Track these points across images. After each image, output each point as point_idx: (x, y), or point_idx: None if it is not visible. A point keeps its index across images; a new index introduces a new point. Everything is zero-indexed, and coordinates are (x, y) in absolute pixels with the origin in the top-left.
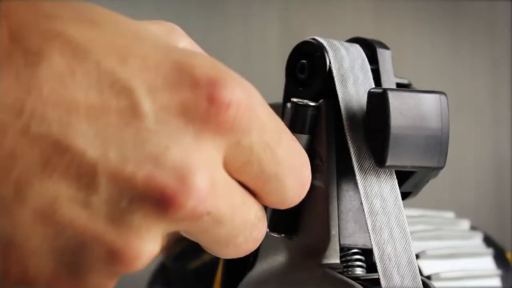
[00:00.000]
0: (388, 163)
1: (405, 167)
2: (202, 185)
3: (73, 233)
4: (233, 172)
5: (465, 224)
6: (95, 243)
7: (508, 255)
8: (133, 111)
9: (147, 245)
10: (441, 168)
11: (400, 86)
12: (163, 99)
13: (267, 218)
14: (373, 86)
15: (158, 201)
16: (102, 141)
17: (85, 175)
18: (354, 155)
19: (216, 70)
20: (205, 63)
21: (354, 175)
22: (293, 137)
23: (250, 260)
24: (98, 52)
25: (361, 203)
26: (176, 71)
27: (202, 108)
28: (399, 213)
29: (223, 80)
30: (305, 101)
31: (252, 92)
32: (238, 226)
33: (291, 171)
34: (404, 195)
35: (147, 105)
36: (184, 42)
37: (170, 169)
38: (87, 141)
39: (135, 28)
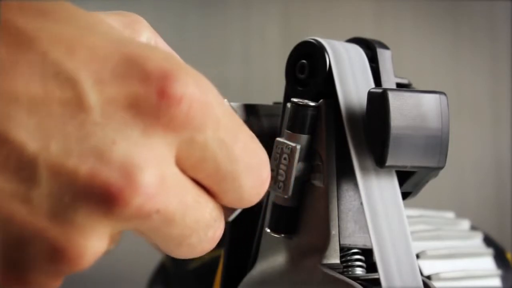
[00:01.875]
0: (388, 163)
1: (405, 167)
2: (150, 182)
3: (14, 228)
4: (187, 170)
5: (465, 224)
6: (36, 239)
7: (508, 255)
8: (78, 103)
9: (92, 243)
10: (441, 168)
11: (400, 86)
12: (110, 92)
13: (267, 218)
14: (373, 86)
15: (102, 197)
16: (44, 134)
17: (25, 169)
18: (354, 155)
19: (168, 63)
20: (157, 56)
21: (354, 175)
22: (252, 135)
23: (250, 260)
24: (44, 42)
25: (361, 203)
26: (126, 63)
27: (151, 102)
28: (399, 213)
29: (176, 73)
30: (305, 101)
31: (208, 88)
32: (191, 225)
33: (249, 169)
34: (404, 195)
35: (93, 97)
36: (146, 34)
37: (115, 165)
38: (27, 133)
39: (88, 19)
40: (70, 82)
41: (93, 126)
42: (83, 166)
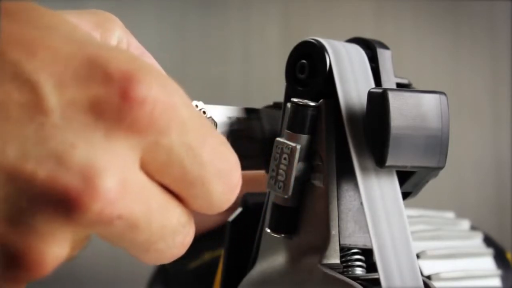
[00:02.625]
0: (388, 163)
1: (405, 167)
2: (110, 187)
3: None
4: (153, 174)
5: (465, 224)
6: None
7: (508, 255)
8: (36, 106)
9: (52, 249)
10: (441, 168)
11: (400, 86)
12: (71, 94)
13: (267, 218)
14: (373, 86)
15: (61, 202)
16: (0, 136)
17: None
18: (354, 155)
19: (131, 65)
20: (120, 57)
21: (354, 175)
22: (222, 139)
23: (250, 260)
24: (3, 42)
25: (361, 203)
26: (88, 65)
27: (113, 104)
28: (399, 213)
29: (138, 75)
30: (305, 101)
31: (173, 90)
32: (157, 231)
33: (218, 175)
34: (404, 195)
35: (53, 99)
36: (118, 33)
37: (75, 169)
38: None
39: (51, 19)
40: (29, 84)
41: (52, 129)
42: (41, 170)
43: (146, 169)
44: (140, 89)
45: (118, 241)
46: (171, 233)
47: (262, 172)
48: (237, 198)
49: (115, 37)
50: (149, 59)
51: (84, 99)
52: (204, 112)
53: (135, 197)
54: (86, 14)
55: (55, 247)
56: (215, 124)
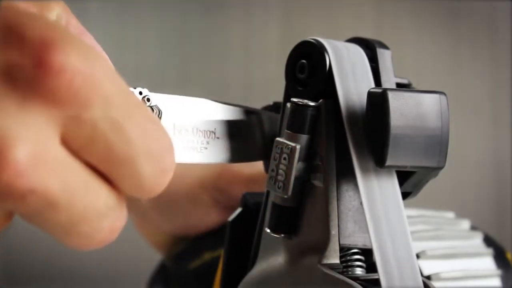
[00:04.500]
0: (388, 163)
1: (405, 167)
2: (20, 157)
3: None
4: (77, 151)
5: (465, 224)
6: None
7: (508, 255)
8: None
9: None
10: (441, 168)
11: (400, 86)
12: None
13: (267, 218)
14: (373, 86)
15: None
16: None
17: None
18: (354, 155)
19: (52, 33)
20: (42, 24)
21: (354, 175)
22: (154, 119)
23: (250, 260)
24: None
25: (361, 203)
26: (5, 30)
27: (27, 71)
28: (399, 213)
29: (58, 43)
30: (305, 101)
31: (96, 63)
32: (80, 212)
33: (148, 155)
34: (404, 195)
35: None
36: (57, 11)
37: None
38: None
39: None
40: None
41: None
42: None
43: (69, 145)
44: (57, 57)
45: (36, 219)
46: (97, 215)
47: (262, 172)
48: (237, 198)
49: (53, 15)
50: (89, 40)
51: None
52: (148, 99)
53: (52, 172)
54: None
55: None
56: (160, 112)
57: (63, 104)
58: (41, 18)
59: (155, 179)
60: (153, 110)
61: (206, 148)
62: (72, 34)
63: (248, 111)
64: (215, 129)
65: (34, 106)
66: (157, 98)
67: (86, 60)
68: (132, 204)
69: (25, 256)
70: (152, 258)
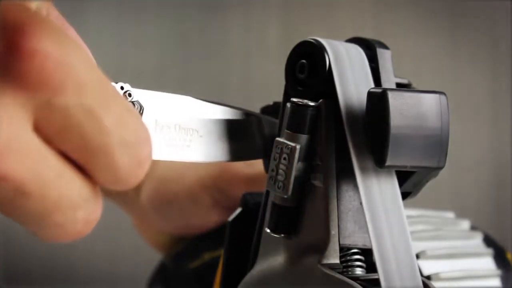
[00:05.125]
0: (388, 163)
1: (405, 167)
2: None
3: None
4: (50, 139)
5: (465, 224)
6: None
7: (508, 255)
8: None
9: None
10: (441, 168)
11: (400, 86)
12: None
13: (267, 218)
14: (373, 86)
15: None
16: None
17: None
18: (354, 155)
19: (25, 16)
20: (16, 7)
21: (354, 175)
22: (131, 109)
23: (250, 260)
24: None
25: (361, 203)
26: None
27: (0, 55)
28: (399, 213)
29: (31, 26)
30: (305, 101)
31: (73, 49)
32: (53, 201)
33: (123, 145)
34: (404, 195)
35: None
36: (37, 2)
37: None
38: None
39: None
40: None
41: None
42: None
43: (42, 132)
44: (29, 41)
45: (8, 209)
46: (71, 206)
47: (262, 172)
48: (237, 198)
49: (33, 5)
50: (70, 32)
51: None
52: (130, 95)
53: (24, 160)
54: None
55: None
56: (141, 108)
57: (34, 88)
58: (16, 4)
59: (131, 171)
60: (134, 105)
61: (188, 146)
62: (48, 21)
63: (235, 111)
64: (198, 127)
65: (5, 90)
66: (139, 94)
67: (59, 46)
68: (132, 204)
69: (25, 256)
70: (152, 258)
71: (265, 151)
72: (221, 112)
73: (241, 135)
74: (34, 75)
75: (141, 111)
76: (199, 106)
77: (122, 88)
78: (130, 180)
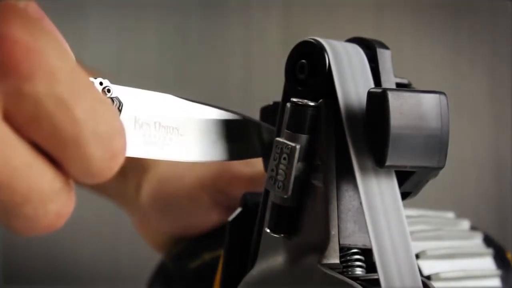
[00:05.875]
0: (388, 163)
1: (405, 167)
2: None
3: None
4: (21, 128)
5: (465, 224)
6: None
7: (508, 255)
8: None
9: None
10: (441, 168)
11: (400, 86)
12: None
13: (267, 218)
14: (373, 86)
15: None
16: None
17: None
18: (354, 155)
19: None
20: None
21: (353, 175)
22: (104, 100)
23: (250, 260)
24: None
25: (361, 203)
26: None
27: None
28: (398, 213)
29: (2, 13)
30: (305, 101)
31: (45, 38)
32: (22, 193)
33: (95, 137)
34: (404, 195)
35: None
36: None
37: None
38: None
39: None
40: None
41: None
42: None
43: (12, 121)
44: None
45: None
46: (41, 198)
47: (262, 172)
48: (237, 198)
49: None
50: (48, 25)
51: None
52: (109, 90)
53: None
54: None
55: None
56: (121, 104)
57: (3, 75)
58: None
59: (104, 163)
60: (113, 101)
61: (168, 145)
62: (20, 10)
63: (217, 110)
64: (179, 126)
65: None
66: (118, 90)
67: (31, 34)
68: (132, 204)
69: (25, 256)
70: (152, 258)
71: (263, 151)
72: (203, 112)
73: (224, 136)
74: (3, 61)
75: (120, 108)
76: (180, 104)
77: (101, 83)
78: (103, 173)
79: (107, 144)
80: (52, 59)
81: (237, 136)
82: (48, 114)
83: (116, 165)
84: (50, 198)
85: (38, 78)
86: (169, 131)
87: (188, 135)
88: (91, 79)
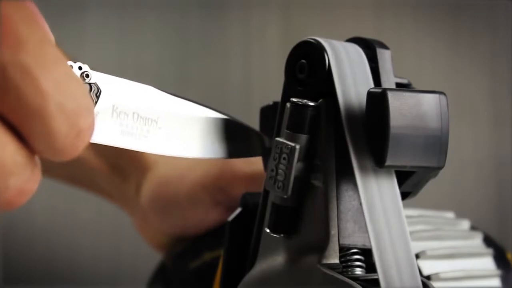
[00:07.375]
0: (387, 163)
1: (405, 167)
2: None
3: None
4: None
5: (465, 224)
6: None
7: (508, 255)
8: None
9: None
10: (441, 168)
11: (400, 86)
12: None
13: (266, 218)
14: (373, 86)
15: None
16: None
17: None
18: (354, 155)
19: None
20: None
21: (353, 175)
22: (73, 76)
23: (250, 260)
24: None
25: (361, 203)
26: None
27: None
28: (398, 213)
29: None
30: (305, 101)
31: (17, 8)
32: None
33: (61, 112)
34: (404, 195)
35: None
36: None
37: None
38: None
39: None
40: None
41: None
42: None
43: None
44: None
45: None
46: (2, 171)
47: (262, 172)
48: (237, 198)
49: None
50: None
51: None
52: (87, 75)
53: None
54: None
55: None
56: (99, 91)
57: None
58: None
59: (69, 140)
60: (91, 87)
61: (145, 137)
62: None
63: (201, 107)
64: (158, 118)
65: None
66: (98, 77)
67: (2, 3)
68: (132, 204)
69: (25, 256)
70: (152, 258)
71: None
72: (185, 107)
73: (205, 133)
74: None
75: (98, 94)
76: (161, 97)
77: (80, 68)
78: (67, 150)
79: (73, 120)
80: (23, 30)
81: (219, 134)
82: (13, 84)
83: (81, 144)
84: (11, 171)
85: (4, 45)
86: (147, 122)
87: (166, 128)
88: (70, 62)
